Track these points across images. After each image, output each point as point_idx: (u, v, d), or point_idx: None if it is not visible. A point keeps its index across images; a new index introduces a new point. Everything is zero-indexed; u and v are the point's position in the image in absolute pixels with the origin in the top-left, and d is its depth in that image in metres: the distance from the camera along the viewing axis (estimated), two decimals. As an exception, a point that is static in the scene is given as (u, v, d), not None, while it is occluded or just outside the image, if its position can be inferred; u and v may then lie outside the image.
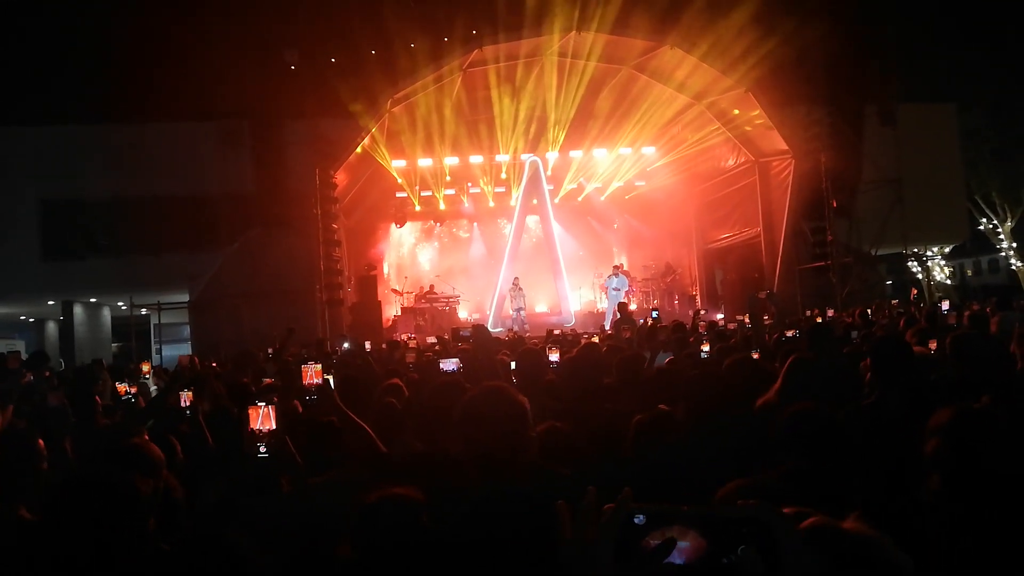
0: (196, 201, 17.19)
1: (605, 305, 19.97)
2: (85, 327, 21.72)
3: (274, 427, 2.70)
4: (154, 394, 5.13)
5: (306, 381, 3.17)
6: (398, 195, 20.36)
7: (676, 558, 0.93)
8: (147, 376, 5.48)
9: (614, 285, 18.46)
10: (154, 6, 17.49)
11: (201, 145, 17.62)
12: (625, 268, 20.53)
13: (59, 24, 21.34)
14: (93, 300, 21.95)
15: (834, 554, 1.05)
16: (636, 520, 0.95)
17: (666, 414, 3.39)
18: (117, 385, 5.12)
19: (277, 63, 16.68)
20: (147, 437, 3.16)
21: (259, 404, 2.73)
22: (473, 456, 2.15)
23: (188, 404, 4.21)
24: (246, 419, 2.73)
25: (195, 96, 16.24)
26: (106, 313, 23.76)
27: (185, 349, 17.19)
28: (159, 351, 20.44)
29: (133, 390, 5.22)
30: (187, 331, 19.39)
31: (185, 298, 18.06)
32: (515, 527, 2.01)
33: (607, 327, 15.12)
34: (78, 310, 21.21)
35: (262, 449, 2.70)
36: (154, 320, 21.94)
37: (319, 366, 3.23)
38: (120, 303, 21.57)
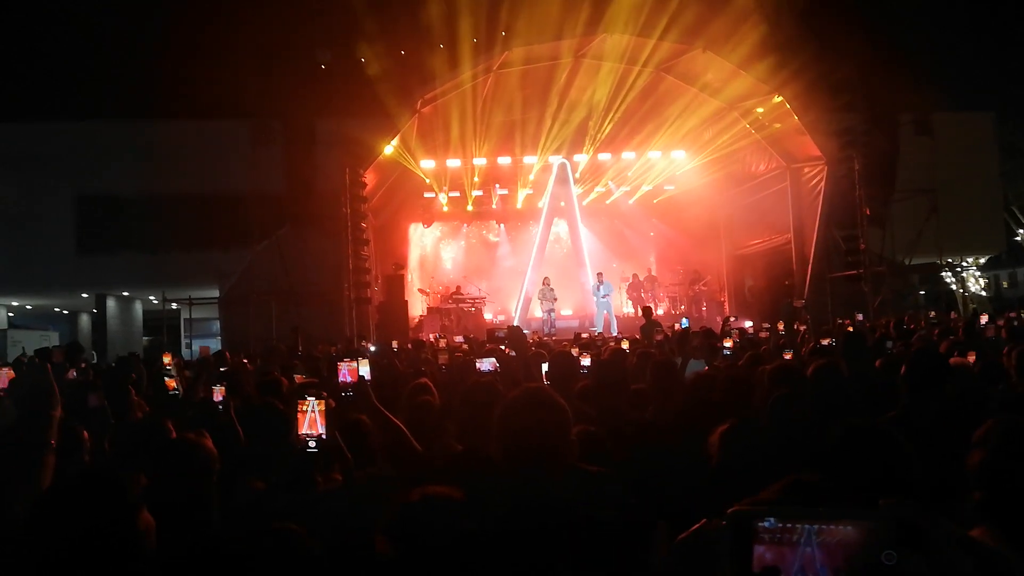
0: (228, 199, 17.38)
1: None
2: (117, 320, 22.10)
3: (325, 421, 2.71)
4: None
5: (341, 379, 3.18)
6: (426, 195, 20.46)
7: (819, 567, 0.88)
8: (169, 367, 5.52)
9: (602, 293, 18.33)
10: (189, 3, 17.77)
11: (233, 143, 17.86)
12: (620, 274, 20.55)
13: (95, 21, 21.73)
14: (125, 294, 22.32)
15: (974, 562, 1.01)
16: (766, 523, 0.90)
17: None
18: (167, 380, 5.12)
19: (309, 63, 16.88)
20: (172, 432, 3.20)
21: (309, 398, 2.75)
22: (513, 458, 2.14)
23: (222, 399, 4.25)
24: (294, 412, 2.75)
25: (228, 95, 16.44)
26: (138, 307, 24.14)
27: (215, 344, 17.38)
28: (188, 345, 20.72)
29: (174, 384, 5.23)
30: (216, 326, 19.63)
31: (215, 294, 18.30)
32: (556, 529, 2.00)
33: (599, 332, 15.06)
34: (111, 303, 21.58)
35: (311, 444, 2.71)
36: (184, 315, 22.25)
37: (355, 364, 3.24)
38: (152, 297, 21.90)
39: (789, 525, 0.89)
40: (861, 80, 16.50)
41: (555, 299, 18.80)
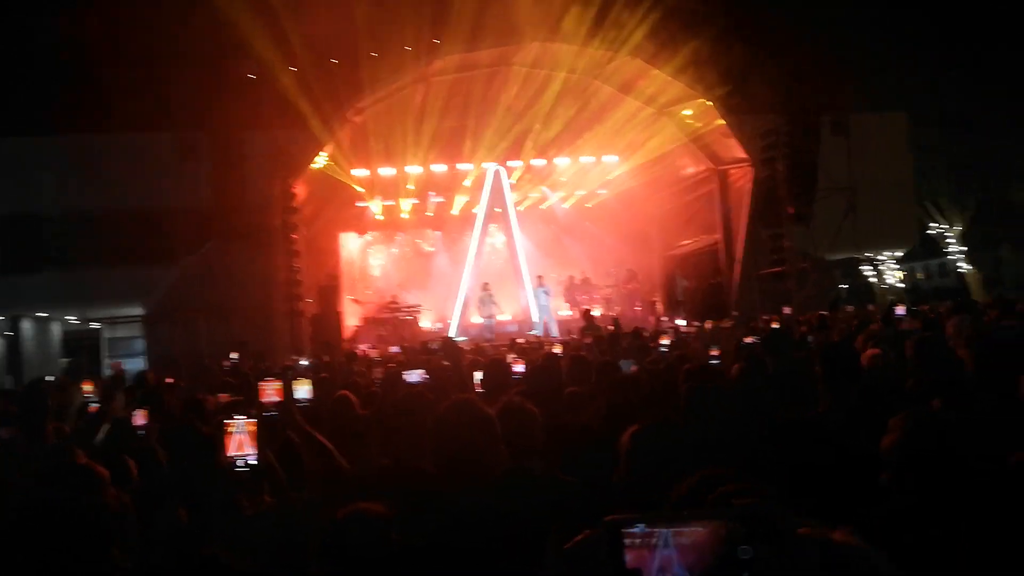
0: (152, 214, 16.78)
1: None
2: (33, 342, 21.07)
3: (255, 442, 2.65)
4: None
5: (263, 398, 3.12)
6: (359, 204, 20.21)
7: (676, 566, 0.93)
8: (89, 395, 5.27)
9: (542, 297, 18.50)
10: (108, 14, 17.12)
11: (157, 157, 17.25)
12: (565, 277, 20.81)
13: (9, 33, 20.74)
14: (43, 315, 21.32)
15: (825, 562, 1.06)
16: (636, 529, 0.95)
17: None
18: (90, 407, 4.93)
19: (235, 73, 16.46)
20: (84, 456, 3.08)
21: (236, 418, 2.68)
22: (446, 470, 2.14)
23: (144, 423, 4.11)
24: (221, 434, 2.68)
25: (151, 107, 15.90)
26: (56, 327, 23.09)
27: (138, 364, 16.76)
28: (110, 366, 19.94)
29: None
30: (141, 345, 18.94)
31: (139, 312, 17.66)
32: (488, 538, 2.01)
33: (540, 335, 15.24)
34: (26, 325, 20.57)
35: (240, 464, 2.64)
36: (106, 334, 21.40)
37: (279, 383, 3.18)
38: (70, 317, 20.98)
39: (653, 530, 0.94)
40: (783, 83, 17.11)
41: (496, 304, 18.83)
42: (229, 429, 2.64)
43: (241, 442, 2.62)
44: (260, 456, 2.63)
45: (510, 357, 6.41)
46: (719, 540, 0.93)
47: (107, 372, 18.81)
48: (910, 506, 2.54)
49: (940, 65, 28.36)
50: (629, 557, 0.94)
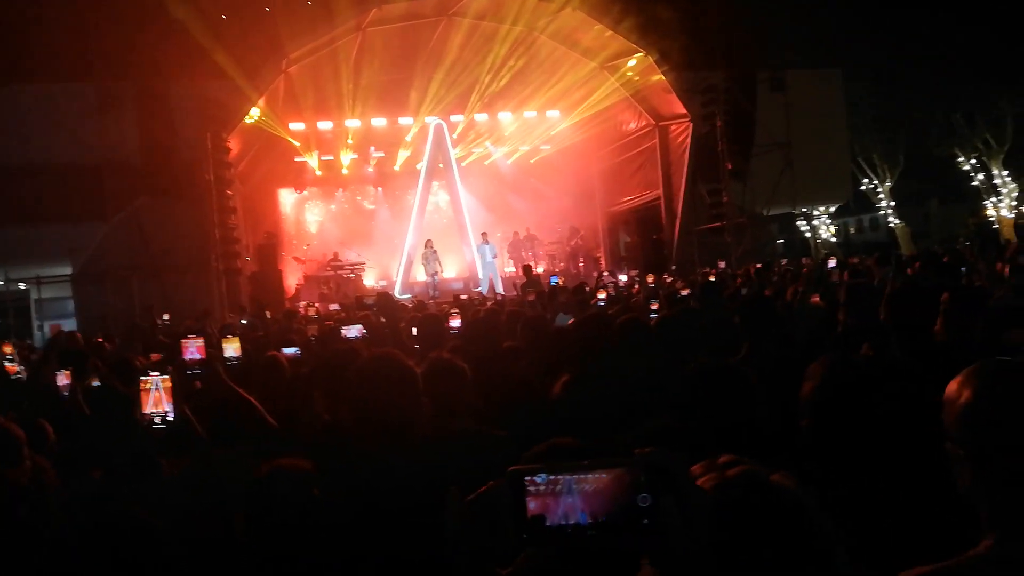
0: (76, 169, 15.99)
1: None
2: (-44, 304, 20.10)
3: (171, 398, 2.59)
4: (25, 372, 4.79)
5: (186, 356, 3.04)
6: (297, 159, 19.70)
7: (579, 513, 0.95)
8: (9, 355, 5.08)
9: (488, 254, 18.52)
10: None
11: (80, 109, 16.36)
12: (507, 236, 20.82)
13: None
14: (-36, 275, 20.32)
15: (756, 502, 1.09)
16: (538, 479, 0.97)
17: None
18: (7, 366, 4.75)
19: (162, 19, 15.63)
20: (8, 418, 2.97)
21: (151, 375, 2.61)
22: (363, 425, 2.13)
23: (67, 383, 3.98)
24: (136, 393, 2.61)
25: (71, 55, 15.04)
26: (-21, 289, 22.05)
27: (70, 325, 16.17)
28: (40, 327, 19.19)
29: (15, 369, 4.86)
30: (71, 306, 18.27)
31: (68, 271, 16.97)
32: (403, 496, 2.02)
33: (484, 292, 15.30)
34: (-53, 286, 19.58)
35: (157, 422, 2.59)
36: (34, 295, 20.55)
37: (200, 340, 3.10)
38: (-6, 278, 20.04)
39: (555, 477, 0.97)
40: (722, 39, 17.21)
41: (439, 261, 18.70)
42: (145, 386, 2.57)
43: (157, 399, 2.56)
44: (176, 412, 2.57)
45: (452, 312, 6.38)
46: (622, 488, 0.95)
47: (38, 334, 18.13)
48: (828, 454, 2.64)
49: (871, 21, 28.90)
50: (532, 505, 0.97)
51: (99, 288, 15.72)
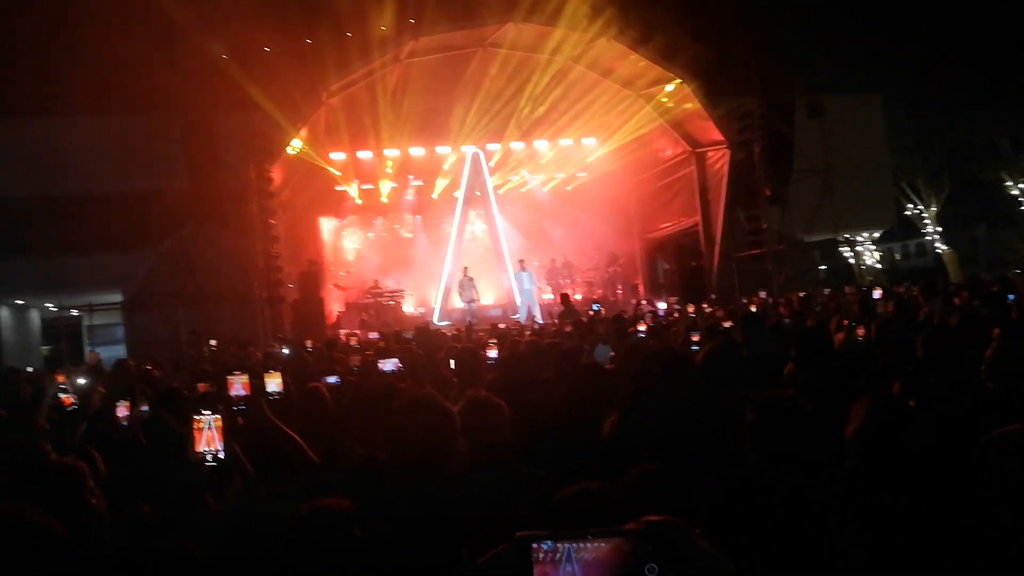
0: (126, 198, 16.56)
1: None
2: (12, 330, 20.82)
3: (222, 437, 2.64)
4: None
5: (231, 392, 3.11)
6: (337, 188, 20.07)
7: None
8: (64, 385, 5.20)
9: (525, 282, 18.47)
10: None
11: (130, 140, 16.98)
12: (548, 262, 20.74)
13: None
14: (20, 302, 21.05)
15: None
16: (544, 545, 0.99)
17: None
18: (62, 396, 4.86)
19: (208, 54, 16.19)
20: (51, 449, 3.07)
21: (204, 414, 2.67)
22: (400, 460, 2.17)
23: (127, 414, 4.05)
24: (189, 428, 2.67)
25: (122, 90, 15.63)
26: (34, 315, 22.81)
27: (120, 351, 16.61)
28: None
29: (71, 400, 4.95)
30: (121, 332, 18.78)
31: (118, 298, 17.48)
32: (448, 532, 2.04)
33: (523, 320, 15.27)
34: (4, 312, 20.30)
35: (209, 459, 2.64)
36: (86, 322, 21.18)
37: (245, 377, 3.17)
38: (49, 304, 20.73)
39: (558, 545, 0.98)
40: (757, 66, 17.16)
41: (475, 289, 18.77)
42: (198, 425, 2.64)
43: (210, 438, 2.63)
44: (227, 450, 2.63)
45: (490, 342, 6.40)
46: (621, 557, 0.97)
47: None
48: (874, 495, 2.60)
49: (913, 46, 28.49)
50: (536, 571, 0.98)
51: (147, 315, 16.14)
